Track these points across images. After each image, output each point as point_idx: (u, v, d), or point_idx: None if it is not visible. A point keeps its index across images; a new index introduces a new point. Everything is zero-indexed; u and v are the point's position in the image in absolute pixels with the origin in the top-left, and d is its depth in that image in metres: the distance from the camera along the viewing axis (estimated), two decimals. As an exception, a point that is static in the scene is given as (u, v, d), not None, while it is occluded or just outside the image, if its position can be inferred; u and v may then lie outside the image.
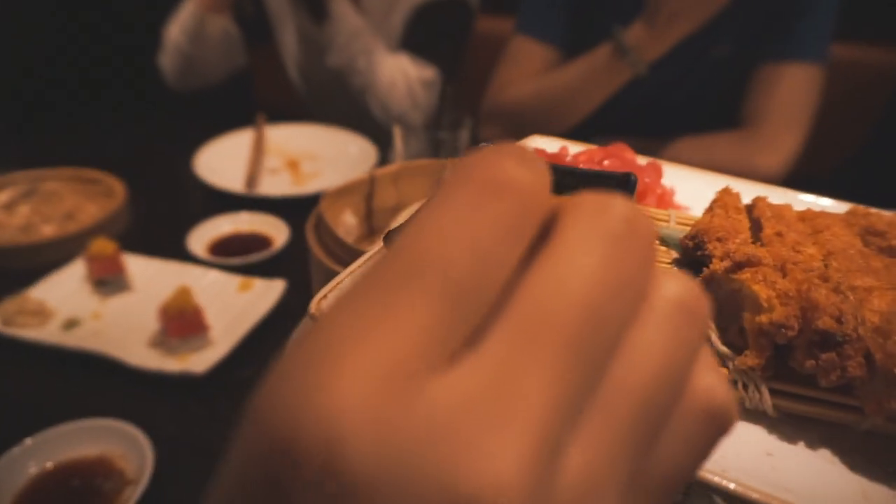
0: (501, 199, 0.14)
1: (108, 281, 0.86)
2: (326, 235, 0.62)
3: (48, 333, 0.78)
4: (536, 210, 0.14)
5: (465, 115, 0.98)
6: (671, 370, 0.15)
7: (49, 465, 0.62)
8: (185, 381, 0.73)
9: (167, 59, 1.44)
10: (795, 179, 1.22)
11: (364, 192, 0.74)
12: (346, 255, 0.59)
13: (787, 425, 0.29)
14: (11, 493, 0.59)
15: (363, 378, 0.12)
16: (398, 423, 0.12)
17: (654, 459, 0.15)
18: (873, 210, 0.39)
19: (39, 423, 0.66)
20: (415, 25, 1.42)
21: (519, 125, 1.28)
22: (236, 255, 0.95)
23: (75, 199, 1.06)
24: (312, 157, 1.34)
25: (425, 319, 0.13)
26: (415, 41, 1.41)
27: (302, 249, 1.01)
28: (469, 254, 0.13)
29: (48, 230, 0.98)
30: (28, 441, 0.62)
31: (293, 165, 1.30)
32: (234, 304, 0.84)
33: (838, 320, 0.27)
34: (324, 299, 0.34)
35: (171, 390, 0.73)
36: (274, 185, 1.21)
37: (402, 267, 0.13)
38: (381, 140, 1.31)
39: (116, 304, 0.85)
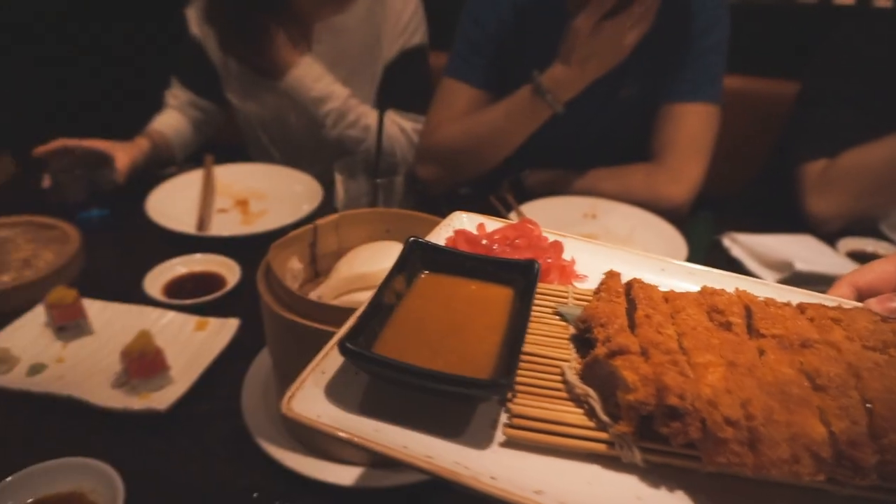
0: None
1: (69, 326, 0.92)
2: (275, 284, 0.70)
3: (14, 379, 0.84)
4: None
5: (399, 162, 1.08)
6: None
7: (28, 501, 0.68)
8: (148, 418, 0.80)
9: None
10: (712, 200, 1.37)
11: (308, 240, 0.83)
12: (293, 302, 0.67)
13: (655, 475, 0.38)
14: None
15: None
16: None
17: None
18: (718, 289, 0.49)
19: (13, 463, 0.72)
20: (392, 78, 1.54)
21: (452, 164, 1.39)
22: (191, 295, 1.02)
23: (31, 246, 1.11)
24: (260, 195, 1.41)
25: None
26: (395, 92, 1.53)
27: (253, 288, 1.09)
28: None
29: (6, 278, 1.03)
30: (9, 479, 0.68)
31: (242, 204, 1.38)
32: (191, 343, 0.91)
33: (681, 397, 0.37)
34: (292, 398, 0.38)
35: (136, 427, 0.80)
36: (224, 224, 1.28)
37: None
38: (323, 179, 1.41)
39: (78, 347, 0.91)
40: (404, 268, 0.48)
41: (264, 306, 0.71)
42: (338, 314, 0.66)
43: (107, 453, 0.72)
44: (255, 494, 0.73)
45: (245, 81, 1.56)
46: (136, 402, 0.80)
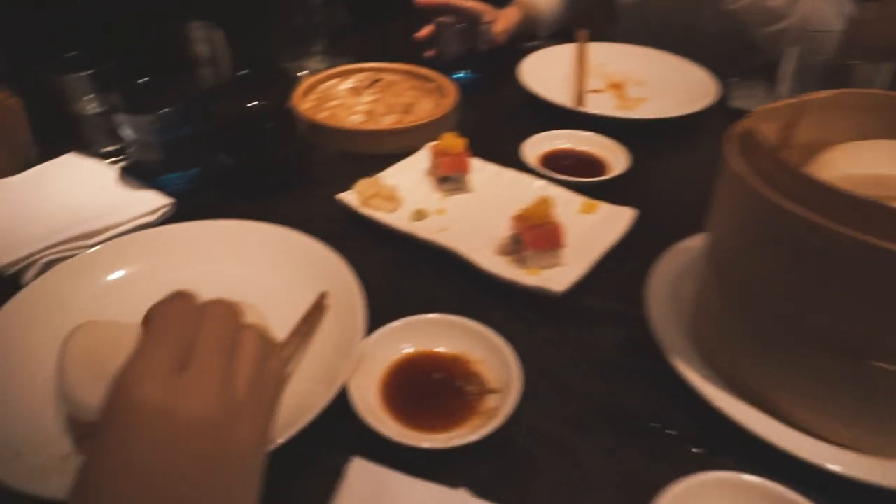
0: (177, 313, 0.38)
1: (452, 178, 0.84)
2: (761, 157, 0.50)
3: (400, 220, 0.78)
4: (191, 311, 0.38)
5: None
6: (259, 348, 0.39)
7: (411, 350, 0.61)
8: (536, 298, 0.68)
9: None
10: None
11: (786, 118, 0.60)
12: (794, 182, 0.47)
13: None
14: (384, 365, 0.59)
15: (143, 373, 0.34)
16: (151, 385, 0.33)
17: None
18: None
19: (392, 309, 0.66)
20: None
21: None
22: (570, 172, 0.88)
23: (412, 93, 1.06)
24: (638, 81, 1.21)
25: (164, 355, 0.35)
26: None
27: (640, 179, 0.92)
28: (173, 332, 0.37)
29: (389, 120, 0.99)
30: (398, 323, 0.61)
31: (617, 87, 1.19)
32: (578, 225, 0.77)
33: None
34: None
35: (520, 304, 0.69)
36: (598, 105, 1.11)
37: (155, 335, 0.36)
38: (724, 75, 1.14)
39: (459, 202, 0.83)
40: None
41: (736, 189, 0.51)
42: (876, 217, 0.43)
43: (492, 322, 0.61)
44: (667, 431, 0.56)
45: None
46: (526, 277, 0.69)
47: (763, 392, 0.54)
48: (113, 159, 0.94)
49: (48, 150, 0.92)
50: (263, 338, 0.41)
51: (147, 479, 0.33)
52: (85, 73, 0.87)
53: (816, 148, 0.63)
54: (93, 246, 0.74)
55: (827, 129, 0.63)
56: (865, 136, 0.61)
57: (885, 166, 0.54)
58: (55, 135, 0.94)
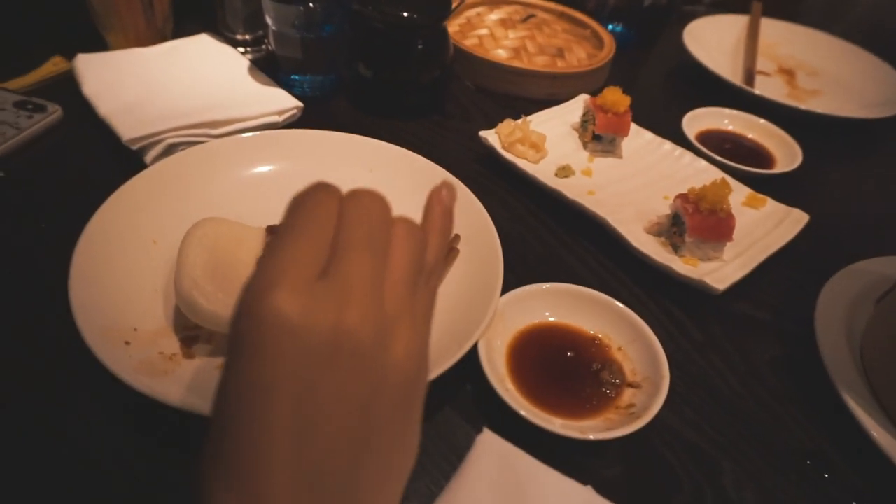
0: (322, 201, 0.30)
1: (605, 139, 0.75)
2: None
3: (546, 174, 0.71)
4: (335, 201, 0.30)
5: None
6: (416, 246, 0.31)
7: (549, 318, 0.55)
8: (682, 290, 0.60)
9: None
10: None
11: None
12: None
13: None
14: (517, 329, 0.54)
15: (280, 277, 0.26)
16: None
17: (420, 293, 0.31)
18: None
19: (530, 265, 0.60)
20: None
21: None
22: (727, 157, 0.78)
23: (565, 37, 0.97)
24: (812, 70, 1.08)
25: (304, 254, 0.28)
26: None
27: (812, 180, 0.81)
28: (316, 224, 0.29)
29: (540, 61, 0.91)
30: (546, 286, 0.55)
31: (787, 74, 1.06)
32: (741, 218, 0.67)
33: None
34: None
35: (662, 294, 0.61)
36: (765, 89, 0.99)
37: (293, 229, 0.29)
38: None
39: (606, 167, 0.75)
40: None
41: None
42: None
43: (632, 307, 0.54)
44: (825, 475, 0.49)
45: None
46: (682, 266, 0.61)
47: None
48: (245, 49, 0.89)
49: (185, 27, 0.89)
50: (421, 234, 0.32)
51: (293, 404, 0.27)
52: (235, -48, 0.82)
53: None
54: (217, 136, 0.70)
55: None
56: None
57: None
58: (193, 11, 0.90)
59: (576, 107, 0.81)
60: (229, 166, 0.65)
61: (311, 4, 0.77)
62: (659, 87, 1.03)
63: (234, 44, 0.88)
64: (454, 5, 0.82)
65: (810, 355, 0.56)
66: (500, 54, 0.91)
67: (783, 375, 0.56)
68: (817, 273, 0.63)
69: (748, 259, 0.62)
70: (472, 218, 0.61)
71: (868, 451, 0.49)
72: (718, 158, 0.77)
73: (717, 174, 0.73)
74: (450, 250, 0.58)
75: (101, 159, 0.68)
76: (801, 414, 0.53)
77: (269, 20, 0.78)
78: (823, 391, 0.53)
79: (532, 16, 0.99)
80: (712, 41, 1.07)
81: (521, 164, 0.71)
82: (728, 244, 0.63)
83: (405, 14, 0.75)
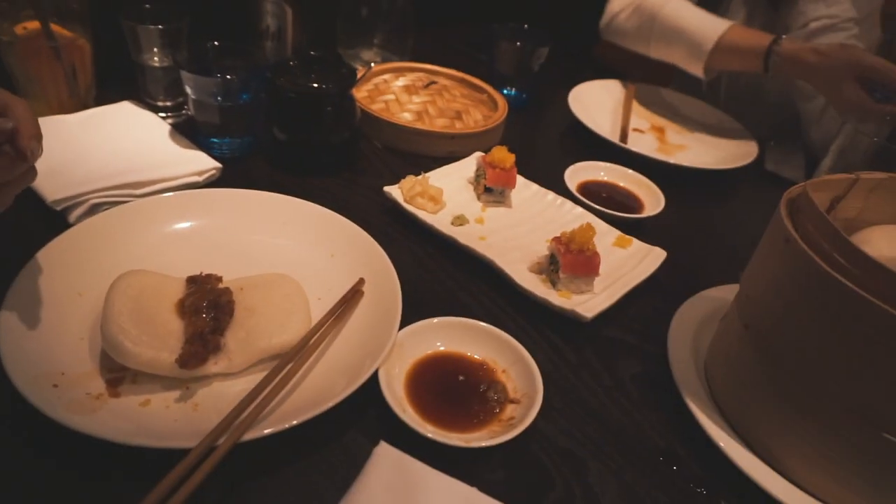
0: None
1: (496, 191, 0.86)
2: (819, 227, 0.52)
3: (441, 222, 0.80)
4: None
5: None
6: None
7: (442, 348, 0.63)
8: (561, 320, 0.70)
9: (629, 13, 1.28)
10: None
11: (837, 192, 0.63)
12: (842, 254, 0.49)
13: None
14: (414, 358, 0.61)
15: None
16: None
17: None
18: None
19: (427, 303, 0.68)
20: None
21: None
22: (603, 205, 0.90)
23: (464, 101, 1.08)
24: (680, 129, 1.24)
25: None
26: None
27: (672, 222, 0.94)
28: None
29: (440, 123, 1.02)
30: (436, 320, 0.63)
31: (659, 131, 1.22)
32: (610, 256, 0.79)
33: None
34: None
35: (546, 324, 0.71)
36: (639, 145, 1.13)
37: None
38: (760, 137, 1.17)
39: (497, 215, 0.85)
40: None
41: (785, 252, 0.54)
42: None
43: (517, 335, 0.63)
44: (674, 467, 0.58)
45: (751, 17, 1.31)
46: (557, 298, 0.71)
47: (770, 445, 0.56)
48: (166, 114, 0.96)
49: (107, 95, 0.94)
50: None
51: None
52: (157, 27, 0.89)
53: (856, 224, 0.65)
54: (140, 196, 0.76)
55: (870, 209, 0.65)
56: (904, 220, 0.64)
57: (922, 253, 0.56)
58: (116, 80, 0.96)
59: (471, 163, 0.91)
60: (151, 223, 0.71)
61: (228, 77, 0.85)
62: (548, 143, 1.16)
63: (156, 110, 0.95)
64: (360, 75, 0.92)
65: (665, 370, 0.66)
66: (406, 117, 1.02)
67: (642, 388, 0.66)
68: (674, 300, 0.75)
69: (614, 291, 0.73)
70: (375, 264, 0.69)
71: (707, 446, 0.59)
72: (594, 206, 0.88)
73: (591, 219, 0.84)
74: (355, 292, 0.66)
75: (27, 221, 0.72)
76: (655, 419, 0.63)
77: (188, 90, 0.85)
78: (674, 399, 0.63)
79: (433, 82, 1.10)
80: (595, 103, 1.22)
81: (421, 214, 0.80)
82: (597, 279, 0.74)
83: (315, 85, 0.84)
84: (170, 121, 0.94)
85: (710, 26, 1.13)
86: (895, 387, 0.48)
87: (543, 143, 1.16)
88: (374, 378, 0.56)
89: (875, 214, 0.65)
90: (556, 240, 0.73)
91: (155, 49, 0.92)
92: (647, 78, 1.35)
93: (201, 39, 0.90)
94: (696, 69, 1.16)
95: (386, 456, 0.50)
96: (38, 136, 0.50)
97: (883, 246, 0.59)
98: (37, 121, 0.50)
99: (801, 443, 0.54)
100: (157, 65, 0.93)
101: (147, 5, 0.91)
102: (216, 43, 0.89)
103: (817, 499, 0.54)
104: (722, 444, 0.57)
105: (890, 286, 0.47)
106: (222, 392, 0.56)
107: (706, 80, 1.20)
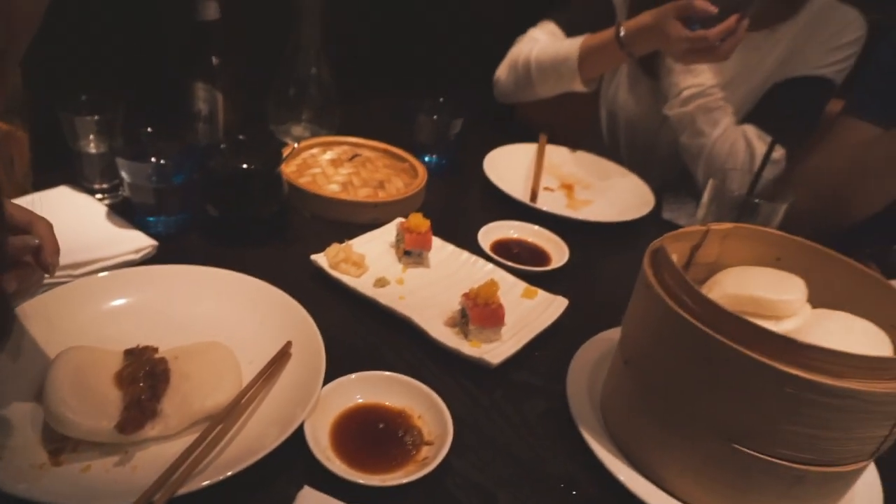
0: None
1: (414, 253, 0.95)
2: (670, 274, 0.63)
3: (365, 286, 0.88)
4: None
5: (787, 187, 0.94)
6: None
7: (361, 400, 0.70)
8: (473, 368, 0.78)
9: (506, 73, 1.50)
10: None
11: (695, 242, 0.74)
12: (688, 296, 0.59)
13: None
14: (337, 411, 0.68)
15: None
16: None
17: None
18: None
19: (352, 359, 0.75)
20: (770, 100, 1.33)
21: (827, 198, 1.20)
22: (516, 260, 0.99)
23: (386, 171, 1.18)
24: (586, 184, 1.36)
25: None
26: (767, 115, 1.31)
27: (576, 272, 1.04)
28: None
29: (363, 193, 1.10)
30: (354, 376, 0.70)
31: (567, 188, 1.34)
32: (517, 308, 0.88)
33: None
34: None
35: (458, 371, 0.78)
36: (549, 203, 1.25)
37: None
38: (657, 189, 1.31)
39: (417, 275, 0.94)
40: None
41: (647, 295, 0.64)
42: (744, 330, 0.55)
43: (433, 383, 0.71)
44: (573, 492, 0.66)
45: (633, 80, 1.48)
46: (468, 348, 0.79)
47: (652, 463, 0.65)
48: (103, 195, 1.01)
49: (44, 180, 1.00)
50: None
51: None
52: (92, 118, 0.96)
53: (717, 267, 0.77)
54: (78, 276, 0.81)
55: (726, 254, 0.77)
56: (755, 262, 0.76)
57: (761, 289, 0.67)
58: (52, 165, 1.01)
59: (392, 229, 1.00)
60: (89, 301, 0.76)
61: (162, 161, 0.92)
62: (465, 205, 1.26)
63: (92, 192, 1.00)
64: (286, 154, 1.01)
65: (567, 407, 0.74)
66: (333, 188, 1.10)
67: (547, 424, 0.74)
68: (576, 344, 0.84)
69: (520, 338, 0.82)
70: (301, 327, 0.76)
71: (601, 471, 0.67)
72: (504, 262, 0.98)
73: (501, 275, 0.94)
74: (283, 354, 0.72)
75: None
76: (558, 451, 0.70)
77: (123, 174, 0.91)
78: (574, 433, 0.71)
79: (357, 155, 1.20)
80: (509, 165, 1.33)
81: (345, 279, 0.88)
82: (505, 328, 0.82)
83: (244, 165, 0.92)
84: (106, 202, 1.00)
85: (569, 46, 1.33)
86: (738, 405, 0.57)
87: (461, 206, 1.26)
88: (300, 432, 0.62)
89: (730, 258, 0.76)
90: (465, 295, 0.82)
91: (91, 137, 0.99)
92: (561, 134, 1.48)
93: (136, 125, 0.97)
94: (578, 84, 1.35)
95: (308, 498, 0.56)
96: (58, 251, 0.58)
97: (728, 285, 0.70)
98: (55, 237, 0.58)
99: (673, 458, 0.63)
100: (93, 151, 0.99)
101: (84, 97, 0.98)
102: (149, 129, 0.96)
103: (688, 505, 0.63)
104: (608, 465, 0.66)
105: (725, 321, 0.57)
106: (160, 454, 0.61)
107: (589, 90, 1.37)
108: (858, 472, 0.61)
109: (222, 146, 0.95)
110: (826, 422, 0.55)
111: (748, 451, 0.58)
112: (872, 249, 1.21)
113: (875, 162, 1.15)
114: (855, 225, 1.23)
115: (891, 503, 0.68)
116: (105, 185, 1.02)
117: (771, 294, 0.66)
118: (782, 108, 1.30)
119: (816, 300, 0.69)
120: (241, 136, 0.95)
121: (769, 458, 0.57)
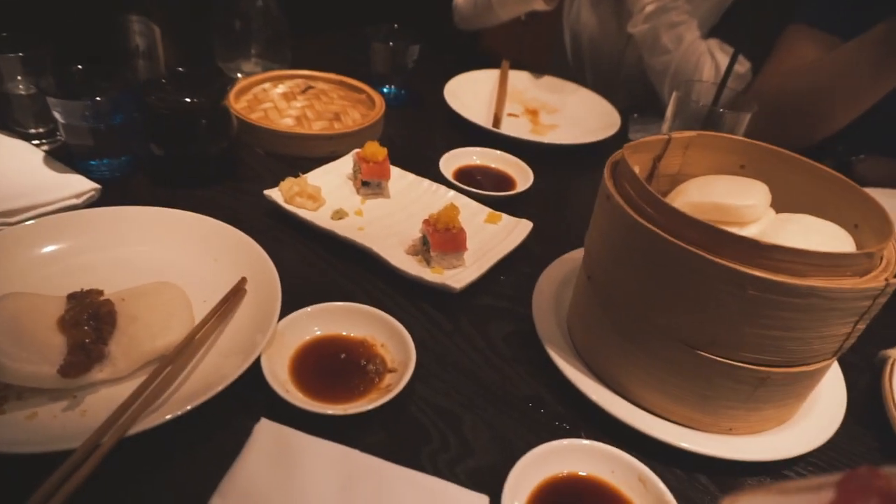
0: None
1: (372, 184, 0.91)
2: (630, 184, 0.60)
3: (321, 218, 0.85)
4: None
5: (751, 99, 0.91)
6: None
7: (320, 333, 0.68)
8: (436, 293, 0.76)
9: (464, 2, 1.46)
10: None
11: (657, 152, 0.72)
12: (654, 209, 0.57)
13: None
14: (296, 345, 0.66)
15: None
16: None
17: None
18: None
19: (311, 294, 0.72)
20: (734, 14, 1.29)
21: (782, 116, 1.18)
22: (479, 186, 0.97)
23: (342, 103, 1.13)
24: (551, 109, 1.33)
25: None
26: (732, 29, 1.28)
27: (541, 196, 1.02)
28: None
29: (318, 125, 1.06)
30: (310, 308, 0.68)
31: (532, 113, 1.30)
32: (481, 232, 0.86)
33: None
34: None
35: (422, 299, 0.77)
36: (513, 128, 1.21)
37: None
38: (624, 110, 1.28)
39: (376, 206, 0.90)
40: None
41: (608, 207, 0.62)
42: (706, 235, 0.54)
43: (394, 314, 0.69)
44: (541, 410, 0.65)
45: None
46: (429, 275, 0.77)
47: (618, 376, 0.64)
48: (39, 141, 0.96)
49: (-27, 127, 0.94)
50: None
51: None
52: (17, 55, 0.89)
53: (680, 178, 0.75)
54: (15, 223, 0.77)
55: (689, 164, 0.75)
56: (718, 171, 0.74)
57: (724, 197, 0.66)
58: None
59: (348, 161, 0.96)
60: (28, 248, 0.72)
61: (97, 99, 0.86)
62: (426, 135, 1.22)
63: (27, 137, 0.94)
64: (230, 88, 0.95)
65: (533, 328, 0.73)
66: (287, 122, 1.05)
67: (513, 346, 0.73)
68: (542, 266, 0.82)
69: (483, 263, 0.80)
70: (256, 263, 0.73)
71: (568, 389, 0.66)
72: (466, 188, 0.95)
73: (464, 201, 0.91)
74: (237, 290, 0.70)
75: None
76: (524, 371, 0.70)
77: (57, 115, 0.86)
78: (541, 353, 0.70)
79: (311, 87, 1.14)
80: (471, 93, 1.29)
81: (301, 212, 0.84)
82: (468, 253, 0.80)
83: (186, 99, 0.87)
84: (44, 147, 0.94)
85: None
86: (701, 312, 0.56)
87: (422, 136, 1.22)
88: (259, 369, 0.60)
89: (694, 168, 0.74)
90: (426, 221, 0.79)
91: (18, 77, 0.92)
92: (525, 61, 1.43)
93: (69, 64, 0.91)
94: (538, 2, 1.30)
95: (266, 430, 0.54)
96: None
97: (691, 194, 0.68)
98: None
99: (638, 369, 0.62)
100: (22, 93, 0.93)
101: (4, 34, 0.91)
102: (80, 67, 0.90)
103: (655, 414, 0.62)
104: (575, 381, 0.65)
105: (685, 227, 0.55)
106: (110, 396, 0.58)
107: (549, 8, 1.32)
108: (822, 371, 0.61)
109: (162, 80, 0.90)
110: (789, 322, 0.54)
111: (712, 356, 0.57)
112: (836, 161, 1.20)
113: (834, 80, 1.12)
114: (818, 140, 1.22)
115: (854, 401, 0.69)
116: (41, 130, 0.96)
117: (734, 200, 0.65)
118: (747, 21, 1.26)
119: (780, 205, 0.68)
120: (181, 69, 0.89)
121: (733, 363, 0.57)
